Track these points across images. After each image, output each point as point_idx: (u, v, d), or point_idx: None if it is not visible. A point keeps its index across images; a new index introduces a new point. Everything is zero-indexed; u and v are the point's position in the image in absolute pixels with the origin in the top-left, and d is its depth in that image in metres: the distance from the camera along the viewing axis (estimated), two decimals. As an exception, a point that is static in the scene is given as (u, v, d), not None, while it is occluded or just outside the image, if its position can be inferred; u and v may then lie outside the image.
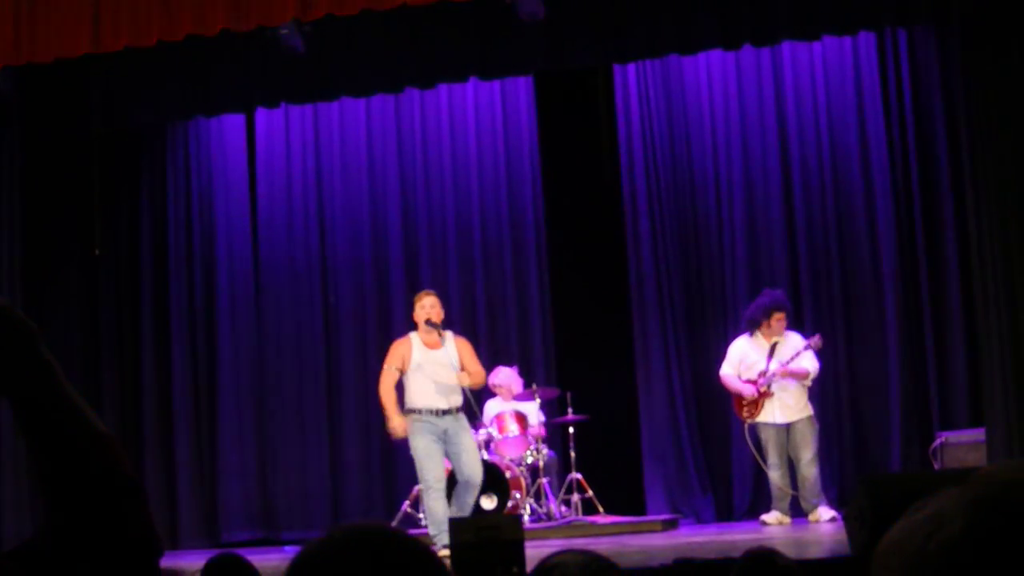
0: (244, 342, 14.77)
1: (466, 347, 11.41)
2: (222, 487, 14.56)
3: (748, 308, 12.86)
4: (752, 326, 12.68)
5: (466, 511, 11.03)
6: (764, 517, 12.54)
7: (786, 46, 13.80)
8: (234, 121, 14.92)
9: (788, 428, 12.52)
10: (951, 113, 13.09)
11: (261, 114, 14.84)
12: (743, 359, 12.68)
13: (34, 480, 1.98)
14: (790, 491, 12.48)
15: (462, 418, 11.19)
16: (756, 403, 12.56)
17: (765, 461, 12.57)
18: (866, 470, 12.86)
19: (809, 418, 12.54)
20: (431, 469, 11.11)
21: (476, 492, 11.23)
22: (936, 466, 12.03)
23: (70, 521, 1.90)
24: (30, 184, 13.66)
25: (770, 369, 12.52)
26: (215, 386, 14.74)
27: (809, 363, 12.55)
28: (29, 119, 13.68)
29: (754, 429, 12.67)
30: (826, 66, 14.03)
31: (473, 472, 11.14)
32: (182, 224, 14.96)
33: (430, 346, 11.27)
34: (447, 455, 11.21)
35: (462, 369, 11.14)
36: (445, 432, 11.12)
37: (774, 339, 12.59)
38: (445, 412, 11.13)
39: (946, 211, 13.32)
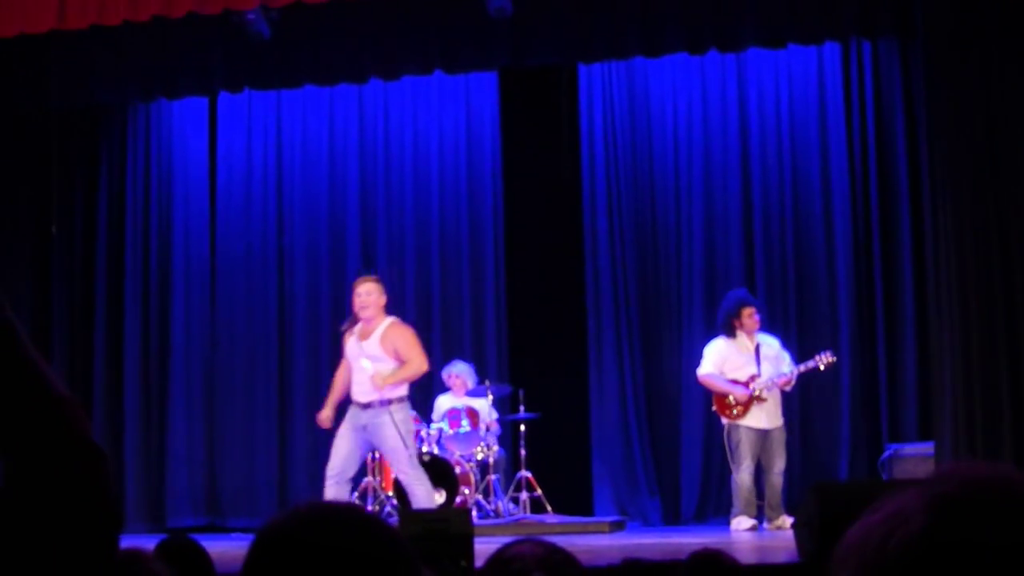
0: (197, 327, 14.72)
1: (400, 335, 11.03)
2: (169, 472, 14.51)
3: (718, 313, 12.84)
4: (727, 329, 12.63)
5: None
6: (739, 523, 12.36)
7: (752, 53, 13.82)
8: (196, 104, 14.86)
9: (765, 434, 12.49)
10: (912, 126, 13.16)
11: (224, 98, 14.77)
12: (726, 360, 12.58)
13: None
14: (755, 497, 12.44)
15: (385, 414, 10.82)
16: (747, 405, 12.50)
17: (737, 464, 12.51)
18: (814, 478, 12.85)
19: (782, 427, 12.55)
20: (331, 458, 10.95)
21: (415, 490, 10.87)
22: (884, 477, 12.07)
23: (30, 485, 1.87)
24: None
25: (780, 372, 12.50)
26: (166, 370, 14.67)
27: (788, 368, 12.59)
28: (-12, 94, 13.60)
29: (729, 431, 12.61)
30: (790, 74, 14.08)
31: (397, 472, 10.92)
32: (140, 205, 14.89)
33: (362, 336, 11.08)
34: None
35: (378, 368, 10.87)
36: (365, 427, 10.87)
37: (756, 340, 12.59)
38: (365, 406, 10.90)
39: (903, 225, 13.39)
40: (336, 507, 1.94)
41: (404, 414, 10.93)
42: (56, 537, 1.85)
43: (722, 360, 12.57)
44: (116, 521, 1.95)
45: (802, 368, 12.56)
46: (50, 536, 1.85)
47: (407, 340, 11.03)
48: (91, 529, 1.88)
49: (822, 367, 12.57)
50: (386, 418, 10.78)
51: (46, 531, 1.84)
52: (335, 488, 10.84)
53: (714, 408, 12.67)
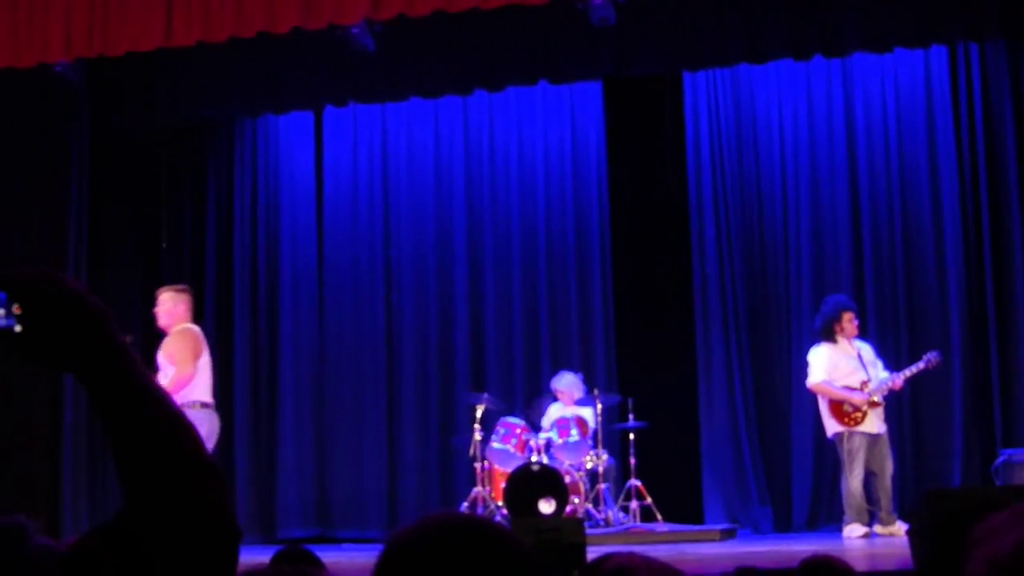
0: (305, 340, 14.80)
1: (174, 341, 10.94)
2: (280, 484, 14.59)
3: (817, 320, 12.67)
4: (827, 334, 12.48)
5: None
6: (852, 531, 12.09)
7: (857, 58, 13.71)
8: (302, 119, 14.97)
9: (876, 439, 12.31)
10: (1022, 127, 12.99)
11: (329, 112, 14.88)
12: (836, 366, 12.33)
13: (112, 463, 1.96)
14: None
15: None
16: (864, 411, 12.34)
17: (851, 471, 12.28)
18: (926, 484, 12.70)
19: (886, 430, 12.39)
20: None
21: None
22: (998, 483, 11.88)
23: (151, 502, 1.90)
24: (97, 176, 13.75)
25: (877, 377, 12.34)
26: (275, 383, 14.78)
27: (885, 373, 12.44)
28: (98, 111, 13.75)
29: (844, 438, 12.43)
30: (897, 79, 13.93)
31: None
32: (247, 220, 15.02)
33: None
34: None
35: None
36: None
37: (856, 346, 12.44)
38: None
39: (1014, 229, 13.20)
40: (464, 519, 1.96)
41: (195, 420, 10.79)
42: (179, 553, 1.88)
43: (832, 367, 12.40)
44: (235, 534, 1.99)
45: (913, 371, 12.40)
46: (173, 552, 1.88)
47: (177, 345, 10.92)
48: (212, 543, 1.92)
49: (929, 367, 12.39)
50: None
51: (168, 547, 1.88)
52: None
53: (830, 416, 12.41)
